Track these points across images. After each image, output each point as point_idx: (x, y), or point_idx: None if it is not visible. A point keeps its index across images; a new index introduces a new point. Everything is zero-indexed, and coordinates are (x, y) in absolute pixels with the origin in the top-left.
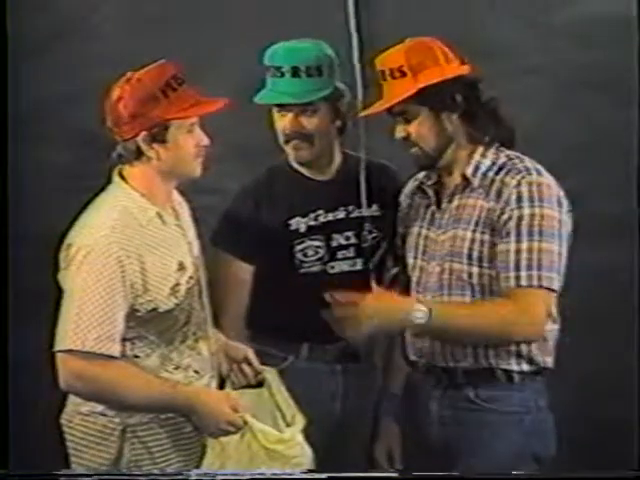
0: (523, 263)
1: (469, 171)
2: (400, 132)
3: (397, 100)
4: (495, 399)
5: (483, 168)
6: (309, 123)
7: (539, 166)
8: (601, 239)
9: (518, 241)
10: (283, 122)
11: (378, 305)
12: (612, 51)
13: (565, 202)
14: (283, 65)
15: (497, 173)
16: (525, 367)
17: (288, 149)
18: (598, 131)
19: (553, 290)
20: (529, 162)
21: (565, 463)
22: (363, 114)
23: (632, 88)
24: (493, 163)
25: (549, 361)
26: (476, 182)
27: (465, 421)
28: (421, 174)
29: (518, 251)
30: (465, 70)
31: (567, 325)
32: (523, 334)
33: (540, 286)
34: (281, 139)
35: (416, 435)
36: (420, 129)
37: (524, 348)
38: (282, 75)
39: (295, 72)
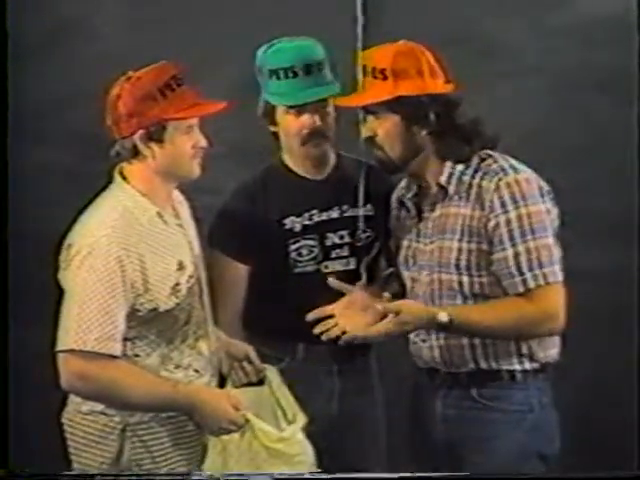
0: (524, 265)
1: (443, 179)
2: (368, 131)
3: (371, 102)
4: (498, 398)
5: (457, 173)
6: (326, 118)
7: (512, 161)
8: (601, 239)
9: (513, 245)
10: (298, 122)
11: (412, 306)
12: (612, 51)
13: (546, 189)
14: (295, 64)
15: (473, 177)
16: (527, 365)
17: (307, 148)
18: (598, 131)
19: (559, 282)
20: (502, 160)
21: (565, 463)
22: (336, 103)
23: (632, 88)
24: (466, 167)
25: (552, 355)
26: (452, 189)
27: (469, 420)
28: (401, 184)
29: (516, 255)
30: (447, 89)
31: (567, 325)
32: (547, 333)
33: (547, 283)
34: (297, 140)
35: (421, 434)
36: (387, 134)
37: (524, 346)
38: (295, 75)
39: (308, 70)
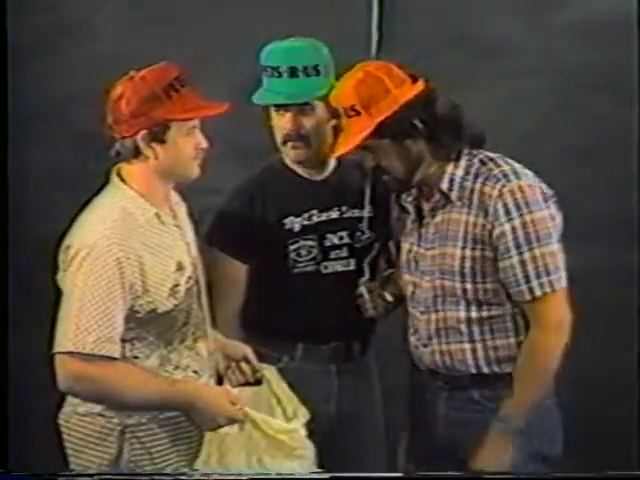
0: (531, 273)
1: (445, 186)
2: (370, 162)
3: (357, 142)
4: (500, 399)
5: (458, 179)
6: (307, 123)
7: (514, 164)
8: (601, 239)
9: (519, 253)
10: (282, 122)
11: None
12: (612, 51)
13: (548, 193)
14: (280, 65)
15: (474, 182)
16: None
17: (286, 149)
18: (598, 131)
19: (564, 287)
20: (504, 164)
21: (565, 463)
22: (334, 154)
23: (632, 88)
24: (467, 172)
25: None
26: (454, 195)
27: (471, 422)
28: None
29: (523, 263)
30: (418, 88)
31: None
32: (565, 341)
33: (553, 290)
34: (279, 139)
35: (424, 435)
36: (387, 159)
37: None
38: (280, 75)
39: (293, 72)
